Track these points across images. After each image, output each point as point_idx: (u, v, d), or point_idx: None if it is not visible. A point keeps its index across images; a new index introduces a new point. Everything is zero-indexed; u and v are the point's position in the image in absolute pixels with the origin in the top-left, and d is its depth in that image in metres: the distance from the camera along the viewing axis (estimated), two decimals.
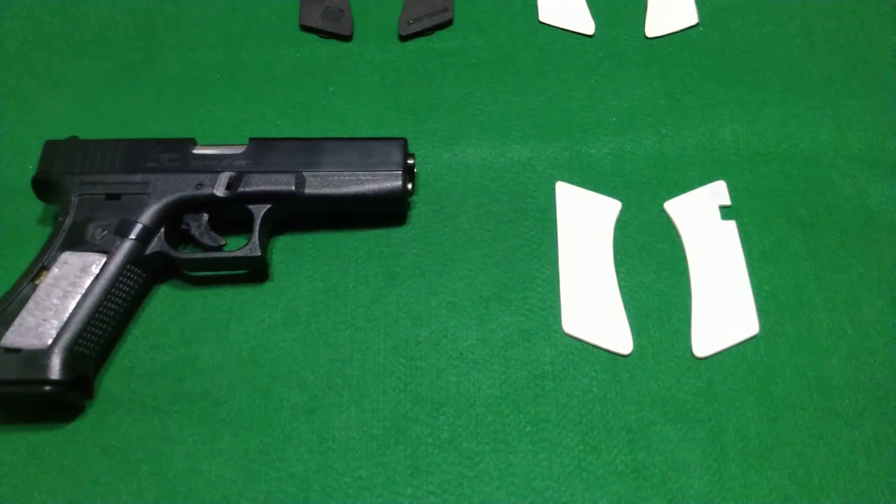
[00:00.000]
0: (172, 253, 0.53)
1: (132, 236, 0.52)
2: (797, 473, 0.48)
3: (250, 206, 0.54)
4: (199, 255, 0.54)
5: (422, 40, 0.67)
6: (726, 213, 0.58)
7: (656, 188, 0.59)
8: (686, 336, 0.53)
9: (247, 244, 0.53)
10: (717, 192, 0.58)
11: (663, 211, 0.58)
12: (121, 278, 0.52)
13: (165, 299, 0.55)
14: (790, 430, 0.49)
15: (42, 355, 0.48)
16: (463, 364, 0.52)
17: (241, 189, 0.54)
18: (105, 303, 0.51)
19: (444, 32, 0.67)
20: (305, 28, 0.67)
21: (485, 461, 0.49)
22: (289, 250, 0.57)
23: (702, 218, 0.57)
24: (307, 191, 0.54)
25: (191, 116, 0.63)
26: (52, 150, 0.56)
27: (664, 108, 0.63)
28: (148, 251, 0.53)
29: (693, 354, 0.52)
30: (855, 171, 0.60)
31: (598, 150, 0.61)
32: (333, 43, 0.67)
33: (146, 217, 0.53)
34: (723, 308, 0.53)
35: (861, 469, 0.48)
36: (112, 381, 0.52)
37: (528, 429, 0.50)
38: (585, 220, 0.57)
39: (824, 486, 0.47)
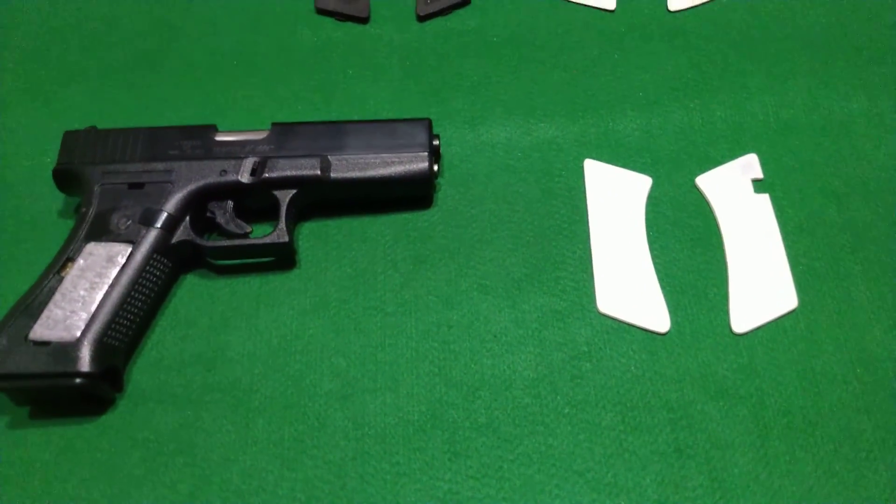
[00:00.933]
0: (198, 241, 0.52)
1: (157, 225, 0.52)
2: (843, 448, 0.47)
3: (275, 192, 0.53)
4: (226, 242, 0.53)
5: (440, 20, 0.66)
6: (759, 186, 0.57)
7: (686, 163, 0.58)
8: (724, 312, 0.52)
9: (273, 231, 0.52)
10: (748, 166, 0.57)
11: (695, 186, 0.57)
12: (147, 268, 0.51)
13: (193, 289, 0.54)
14: (834, 404, 0.48)
15: (71, 348, 0.47)
16: (497, 346, 0.51)
17: (265, 175, 0.53)
18: (132, 293, 0.50)
19: (462, 11, 0.66)
20: (321, 11, 0.66)
21: (524, 444, 0.48)
22: (315, 237, 0.56)
23: (734, 192, 0.56)
24: (333, 175, 0.53)
25: (209, 104, 0.62)
26: (71, 140, 0.55)
27: (691, 82, 0.62)
28: (174, 240, 0.52)
29: (732, 330, 0.51)
30: (888, 140, 0.58)
31: (626, 126, 0.60)
32: (350, 25, 0.66)
33: (170, 205, 0.52)
34: (760, 283, 0.52)
35: None
36: (141, 373, 0.51)
37: (566, 410, 0.49)
38: (616, 198, 0.56)
39: (871, 459, 0.47)
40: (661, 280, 0.53)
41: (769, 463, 0.47)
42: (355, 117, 0.60)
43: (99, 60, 0.64)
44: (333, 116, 0.60)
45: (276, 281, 0.54)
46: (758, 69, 0.62)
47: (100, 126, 0.57)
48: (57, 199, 0.57)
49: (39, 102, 0.62)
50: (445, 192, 0.58)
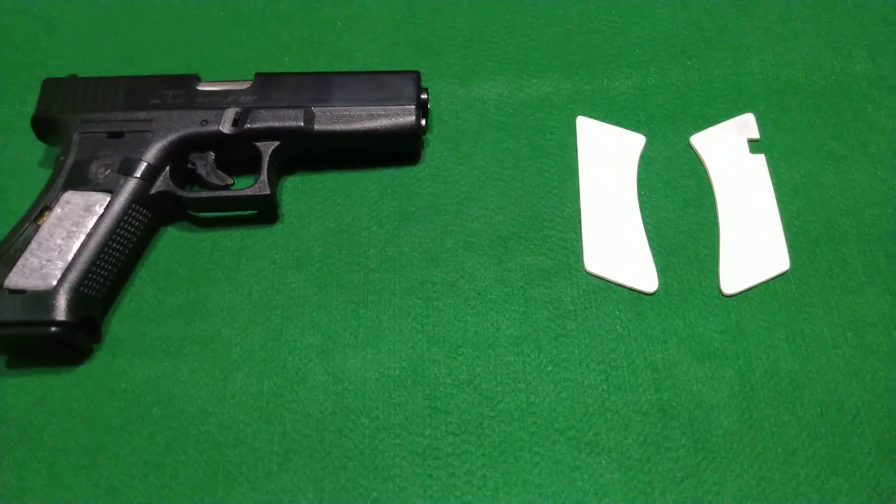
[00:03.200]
0: (178, 192, 0.51)
1: (136, 175, 0.50)
2: (829, 412, 0.46)
3: (258, 144, 0.52)
4: (206, 193, 0.52)
5: None
6: (755, 146, 0.55)
7: (682, 122, 0.57)
8: (714, 273, 0.51)
9: (255, 183, 0.51)
10: (745, 125, 0.56)
11: (689, 145, 0.56)
12: (126, 218, 0.50)
13: (173, 241, 0.53)
14: (822, 367, 0.48)
15: (47, 296, 0.46)
16: (481, 304, 0.50)
17: (247, 125, 0.52)
18: (110, 243, 0.49)
19: None
20: None
21: (505, 401, 0.47)
22: (299, 191, 0.55)
23: (729, 152, 0.55)
24: (316, 127, 0.52)
25: (194, 55, 0.61)
26: (51, 88, 0.54)
27: (689, 39, 0.60)
28: (153, 190, 0.51)
29: (721, 292, 0.50)
30: (890, 102, 0.57)
31: (621, 84, 0.58)
32: None
33: (150, 155, 0.51)
34: (752, 244, 0.51)
35: None
36: (119, 324, 0.50)
37: (549, 368, 0.48)
38: (608, 156, 0.55)
39: (857, 423, 0.46)
40: (650, 240, 0.52)
41: (754, 425, 0.46)
42: (343, 70, 0.59)
43: (82, 9, 0.63)
44: (321, 69, 0.59)
45: (257, 235, 0.53)
46: (758, 27, 0.60)
47: (82, 76, 0.56)
48: (37, 148, 0.56)
49: (21, 50, 0.61)
50: (434, 147, 0.56)
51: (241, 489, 0.45)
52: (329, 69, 0.59)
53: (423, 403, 0.47)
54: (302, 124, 0.52)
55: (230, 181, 0.53)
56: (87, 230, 0.49)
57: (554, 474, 0.45)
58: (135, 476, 0.45)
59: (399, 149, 0.55)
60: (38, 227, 0.49)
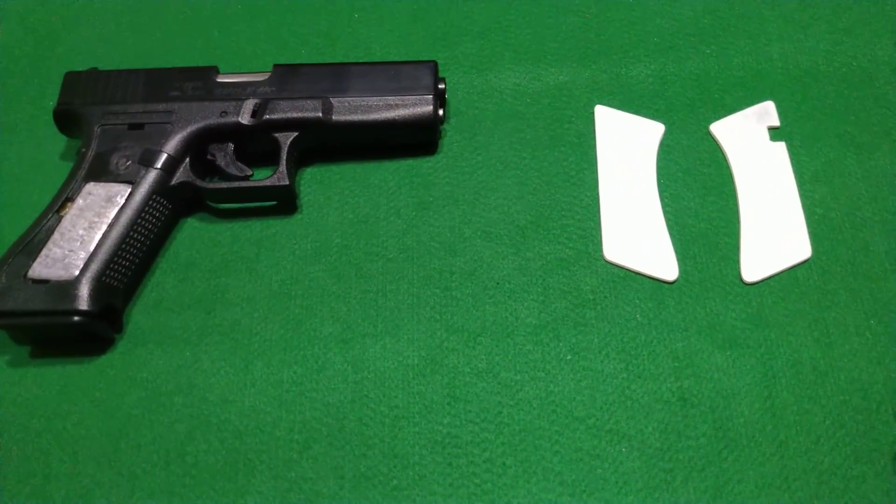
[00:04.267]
0: (198, 183, 0.52)
1: (157, 166, 0.51)
2: (853, 400, 0.46)
3: (276, 135, 0.52)
4: (225, 184, 0.52)
5: None
6: (775, 134, 0.55)
7: (701, 110, 0.56)
8: (734, 261, 0.50)
9: (274, 173, 0.52)
10: (765, 113, 0.55)
11: (709, 133, 0.55)
12: (146, 209, 0.50)
13: (193, 232, 0.54)
14: (845, 355, 0.47)
15: (69, 286, 0.47)
16: (500, 294, 0.50)
17: (266, 116, 0.52)
18: (131, 233, 0.50)
19: None
20: None
21: (524, 389, 0.47)
22: (317, 182, 0.55)
23: (749, 140, 0.54)
24: (334, 117, 0.52)
25: (212, 48, 0.61)
26: (72, 81, 0.54)
27: (707, 27, 0.59)
28: (173, 181, 0.51)
29: (742, 280, 0.49)
30: None
31: (639, 72, 0.58)
32: None
33: (170, 146, 0.52)
34: (773, 232, 0.51)
35: None
36: (140, 314, 0.51)
37: (568, 357, 0.48)
38: (627, 145, 0.54)
39: (881, 410, 0.45)
40: (670, 229, 0.52)
41: (776, 414, 0.46)
42: (360, 61, 0.59)
43: (102, 3, 0.63)
44: (338, 61, 0.59)
45: (276, 225, 0.53)
46: (777, 14, 0.60)
47: (102, 69, 0.57)
48: (59, 141, 0.57)
49: (42, 45, 0.62)
50: (451, 138, 0.56)
51: (261, 477, 0.45)
52: (346, 60, 0.59)
53: (442, 392, 0.47)
54: (320, 115, 0.52)
55: (249, 172, 0.53)
56: (109, 221, 0.49)
57: (574, 462, 0.45)
58: (156, 464, 0.46)
59: (416, 139, 0.55)
60: (61, 218, 0.49)
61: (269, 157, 0.54)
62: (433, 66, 0.54)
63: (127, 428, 0.47)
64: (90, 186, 0.50)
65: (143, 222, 0.50)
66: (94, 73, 0.55)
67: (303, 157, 0.55)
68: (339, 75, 0.54)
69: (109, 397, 0.48)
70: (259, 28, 0.62)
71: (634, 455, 0.45)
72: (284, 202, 0.54)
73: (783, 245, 0.50)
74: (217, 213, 0.54)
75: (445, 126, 0.57)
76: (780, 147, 0.54)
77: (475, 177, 0.55)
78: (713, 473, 0.44)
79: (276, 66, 0.54)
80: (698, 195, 0.53)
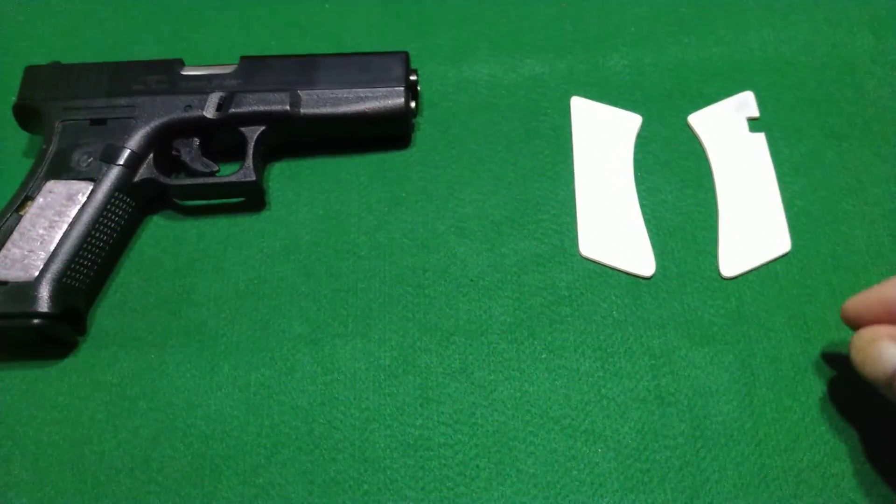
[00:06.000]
0: (162, 179, 0.50)
1: (119, 162, 0.49)
2: (833, 396, 0.45)
3: (243, 129, 0.51)
4: (190, 180, 0.50)
5: None
6: (754, 125, 0.54)
7: (679, 101, 0.55)
8: (713, 256, 0.49)
9: (240, 169, 0.50)
10: (744, 104, 0.54)
11: (687, 125, 0.54)
12: (109, 207, 0.49)
13: (158, 230, 0.52)
14: (825, 351, 0.46)
15: (29, 287, 0.45)
16: (474, 291, 0.49)
17: (231, 110, 0.50)
18: (93, 232, 0.48)
19: None
20: None
21: (498, 389, 0.46)
22: (286, 177, 0.54)
23: (728, 131, 0.53)
24: (302, 110, 0.51)
25: (179, 40, 0.60)
26: (33, 75, 0.52)
27: (686, 16, 0.58)
28: (137, 178, 0.50)
29: (720, 275, 0.48)
30: (893, 78, 0.55)
31: (616, 63, 0.57)
32: None
33: (133, 142, 0.50)
34: (752, 225, 0.50)
35: None
36: (105, 315, 0.49)
37: (543, 356, 0.47)
38: (603, 137, 0.53)
39: (864, 406, 0.44)
40: (647, 223, 0.50)
41: (755, 411, 0.45)
42: (331, 53, 0.57)
43: None
44: (309, 52, 0.57)
45: (244, 223, 0.52)
46: (757, 3, 0.59)
47: (65, 62, 0.55)
48: (21, 137, 0.55)
49: (5, 38, 0.60)
50: (424, 131, 0.55)
51: (228, 483, 0.44)
52: (317, 52, 0.57)
53: (415, 393, 0.46)
54: (288, 108, 0.51)
55: (215, 168, 0.51)
56: (70, 220, 0.48)
57: (549, 464, 0.44)
58: (121, 470, 0.44)
59: (388, 132, 0.53)
60: (20, 217, 0.48)
61: (236, 152, 0.52)
62: (404, 57, 0.53)
63: (90, 433, 0.46)
64: (51, 184, 0.49)
65: (106, 221, 0.49)
66: (55, 66, 0.53)
67: (272, 151, 0.54)
68: (307, 67, 0.52)
69: (72, 402, 0.47)
70: (228, 19, 0.60)
71: (610, 455, 0.44)
72: (252, 198, 0.52)
73: (762, 239, 0.49)
74: (183, 210, 0.53)
75: (418, 119, 0.55)
76: (760, 138, 0.53)
77: (449, 171, 0.53)
78: (690, 473, 0.43)
79: (242, 58, 0.53)
80: (676, 188, 0.52)
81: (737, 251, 0.49)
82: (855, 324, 0.41)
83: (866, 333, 0.40)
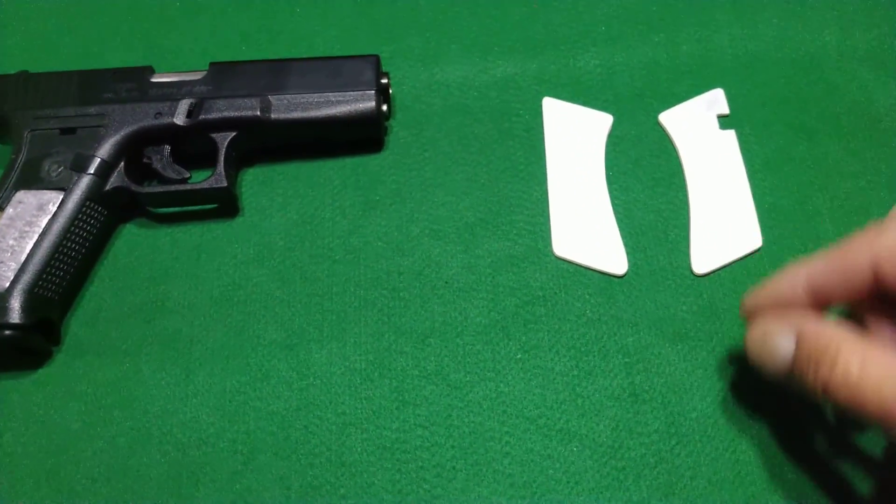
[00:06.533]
0: (134, 187, 0.50)
1: (90, 171, 0.49)
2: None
3: (213, 135, 0.51)
4: (161, 188, 0.50)
5: None
6: (725, 122, 0.54)
7: (650, 100, 0.55)
8: (685, 253, 0.50)
9: (211, 175, 0.50)
10: (714, 101, 0.54)
11: (658, 123, 0.54)
12: (80, 216, 0.48)
13: (132, 239, 0.52)
14: None
15: (0, 299, 0.45)
16: (448, 293, 0.49)
17: (202, 116, 0.50)
18: (65, 242, 0.48)
19: None
20: None
21: (474, 391, 0.46)
22: (259, 183, 0.53)
23: (699, 128, 0.53)
24: (273, 115, 0.51)
25: (151, 47, 0.59)
26: (1, 84, 0.52)
27: (656, 15, 0.59)
28: (108, 186, 0.50)
29: (692, 272, 0.49)
30: (860, 73, 0.56)
31: (587, 63, 0.57)
32: None
33: (104, 150, 0.50)
34: (723, 222, 0.50)
35: None
36: (79, 325, 0.49)
37: (518, 356, 0.47)
38: (575, 137, 0.54)
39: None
40: (620, 221, 0.51)
41: (728, 407, 0.45)
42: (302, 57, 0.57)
43: (35, 3, 0.61)
44: (280, 56, 0.57)
45: (218, 229, 0.52)
46: (726, 1, 0.59)
47: (34, 71, 0.55)
48: None
49: None
50: (397, 134, 0.55)
51: (205, 490, 0.44)
52: (288, 56, 0.57)
53: (391, 396, 0.46)
54: (258, 113, 0.51)
55: (187, 175, 0.51)
56: (41, 230, 0.47)
57: (525, 464, 0.44)
58: (97, 480, 0.44)
59: (360, 136, 0.53)
60: None
61: (208, 159, 0.52)
62: (375, 60, 0.53)
63: (66, 443, 0.45)
64: (20, 195, 0.48)
65: (78, 230, 0.48)
66: (23, 75, 0.52)
67: (244, 157, 0.54)
68: (277, 72, 0.52)
69: (47, 412, 0.46)
70: (199, 25, 0.60)
71: (586, 454, 0.44)
72: (225, 205, 0.52)
73: (733, 235, 0.50)
74: (156, 217, 0.52)
75: (392, 122, 0.55)
76: (730, 135, 0.53)
77: (422, 174, 0.53)
78: (665, 470, 0.43)
79: (212, 64, 0.52)
80: (647, 186, 0.52)
81: (708, 248, 0.49)
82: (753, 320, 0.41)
83: (756, 331, 0.40)
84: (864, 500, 0.42)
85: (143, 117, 0.50)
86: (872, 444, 0.43)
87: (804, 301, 0.39)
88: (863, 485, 0.42)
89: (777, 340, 0.38)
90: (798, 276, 0.39)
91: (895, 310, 0.38)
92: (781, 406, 0.45)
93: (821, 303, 0.39)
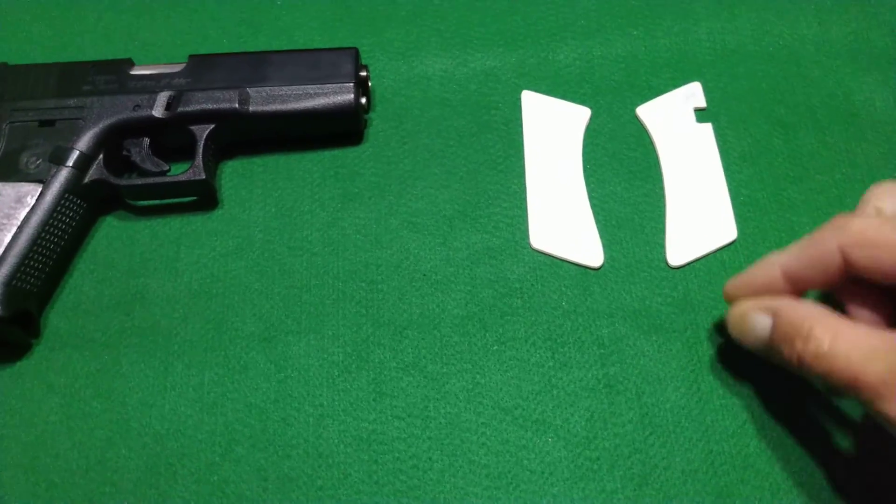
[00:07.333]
0: (113, 180, 0.50)
1: (69, 163, 0.49)
2: (779, 380, 0.46)
3: (192, 127, 0.51)
4: (140, 180, 0.50)
5: None
6: (702, 115, 0.54)
7: (628, 93, 0.56)
8: (660, 246, 0.50)
9: (190, 168, 0.50)
10: (691, 94, 0.55)
11: (635, 116, 0.55)
12: (59, 208, 0.48)
13: (111, 231, 0.52)
14: None
15: None
16: (426, 285, 0.49)
17: (180, 109, 0.50)
18: (44, 234, 0.48)
19: None
20: None
21: (451, 382, 0.46)
22: (239, 175, 0.54)
23: (676, 122, 0.54)
24: (251, 108, 0.51)
25: (131, 40, 0.59)
26: None
27: (635, 8, 0.59)
28: (87, 179, 0.50)
29: (668, 264, 0.49)
30: (837, 66, 0.56)
31: (566, 56, 0.57)
32: None
33: (82, 143, 0.50)
34: (699, 214, 0.50)
35: None
36: (58, 317, 0.49)
37: (495, 348, 0.47)
38: (553, 130, 0.54)
39: (807, 389, 0.45)
40: (596, 214, 0.51)
41: (702, 398, 0.45)
42: (281, 50, 0.57)
43: None
44: (261, 49, 0.57)
45: (197, 222, 0.52)
46: None
47: (14, 63, 0.54)
48: None
49: None
50: (377, 126, 0.55)
51: (183, 482, 0.44)
52: (269, 49, 0.57)
53: (368, 388, 0.46)
54: (237, 105, 0.51)
55: (166, 167, 0.51)
56: (19, 222, 0.48)
57: (500, 455, 0.44)
58: (75, 472, 0.44)
59: (339, 128, 0.54)
60: None
61: (188, 152, 0.52)
62: (354, 52, 0.53)
63: (44, 436, 0.46)
64: None
65: (56, 223, 0.49)
66: (2, 67, 0.52)
67: (224, 150, 0.54)
68: (256, 65, 0.52)
69: (26, 405, 0.46)
70: (179, 17, 0.60)
71: (560, 445, 0.44)
72: (204, 197, 0.52)
73: (709, 228, 0.50)
74: (136, 210, 0.52)
75: (371, 115, 0.55)
76: (707, 128, 0.53)
77: (401, 166, 0.53)
78: (639, 460, 0.44)
79: (191, 56, 0.52)
80: (624, 179, 0.52)
81: (683, 240, 0.50)
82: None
83: (735, 310, 0.43)
84: (833, 488, 0.43)
85: (122, 110, 0.50)
86: (843, 438, 0.44)
87: (782, 288, 0.41)
88: (835, 472, 0.43)
89: (754, 318, 0.41)
90: (774, 264, 0.41)
91: (871, 293, 0.40)
92: (754, 397, 0.45)
93: (798, 289, 0.41)
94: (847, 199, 0.51)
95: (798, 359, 0.37)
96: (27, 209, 0.48)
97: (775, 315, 0.39)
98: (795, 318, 0.38)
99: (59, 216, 0.49)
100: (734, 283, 0.43)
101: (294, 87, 0.51)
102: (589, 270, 0.49)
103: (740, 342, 0.42)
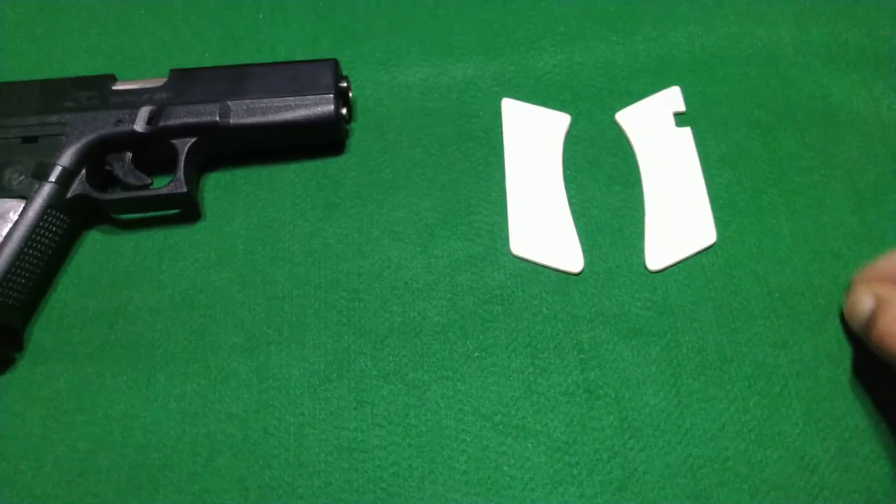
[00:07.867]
0: (95, 194, 0.50)
1: (51, 179, 0.49)
2: (758, 384, 0.46)
3: (174, 141, 0.51)
4: (122, 194, 0.51)
5: None
6: (681, 119, 0.55)
7: (607, 99, 0.56)
8: (640, 250, 0.50)
9: (171, 181, 0.51)
10: (670, 99, 0.55)
11: (615, 122, 0.55)
12: (42, 224, 0.49)
13: (94, 245, 0.52)
14: (750, 339, 0.47)
15: None
16: (408, 293, 0.50)
17: (161, 123, 0.51)
18: (27, 250, 0.48)
19: None
20: None
21: (431, 389, 0.46)
22: (221, 187, 0.54)
23: (655, 126, 0.54)
24: (232, 121, 0.51)
25: (115, 55, 0.60)
26: None
27: (614, 14, 0.59)
28: (70, 194, 0.50)
29: (647, 268, 0.49)
30: (816, 68, 0.56)
31: (546, 63, 0.58)
32: None
33: (65, 158, 0.50)
34: (678, 218, 0.51)
35: (824, 375, 0.46)
36: (42, 330, 0.49)
37: (475, 355, 0.47)
38: (533, 137, 0.54)
39: (785, 394, 0.45)
40: (576, 220, 0.51)
41: (681, 402, 0.45)
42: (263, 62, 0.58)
43: None
44: (242, 62, 0.58)
45: (179, 234, 0.52)
46: None
47: None
48: None
49: None
50: (358, 136, 0.55)
51: (165, 492, 0.44)
52: (251, 62, 0.58)
53: (349, 397, 0.47)
54: (217, 119, 0.51)
55: (148, 181, 0.52)
56: (1, 238, 0.48)
57: (480, 461, 0.44)
58: (58, 485, 0.45)
59: (321, 139, 0.54)
60: None
61: (170, 165, 0.52)
62: (333, 64, 0.53)
63: (27, 449, 0.46)
64: None
65: (40, 238, 0.49)
66: None
67: (206, 162, 0.54)
68: (237, 78, 0.52)
69: (9, 418, 0.47)
70: (161, 32, 0.60)
71: (540, 450, 0.44)
72: (186, 210, 0.52)
73: (688, 231, 0.50)
74: (119, 224, 0.53)
75: (353, 125, 0.56)
76: (686, 132, 0.54)
77: (383, 176, 0.54)
78: (618, 465, 0.44)
79: (172, 71, 0.53)
80: (604, 185, 0.53)
81: (663, 245, 0.50)
82: None
83: (850, 293, 0.46)
84: (814, 489, 0.43)
85: (104, 125, 0.51)
86: (821, 441, 0.44)
87: None
88: (813, 473, 0.43)
89: (861, 300, 0.44)
90: None
91: None
92: (733, 400, 0.45)
93: None
94: (827, 201, 0.51)
95: (877, 336, 0.40)
96: (10, 225, 0.48)
97: (877, 297, 0.42)
98: (889, 299, 0.41)
99: (43, 231, 0.49)
100: (861, 271, 0.46)
101: (274, 99, 0.52)
102: (569, 276, 0.49)
103: (850, 324, 0.45)
